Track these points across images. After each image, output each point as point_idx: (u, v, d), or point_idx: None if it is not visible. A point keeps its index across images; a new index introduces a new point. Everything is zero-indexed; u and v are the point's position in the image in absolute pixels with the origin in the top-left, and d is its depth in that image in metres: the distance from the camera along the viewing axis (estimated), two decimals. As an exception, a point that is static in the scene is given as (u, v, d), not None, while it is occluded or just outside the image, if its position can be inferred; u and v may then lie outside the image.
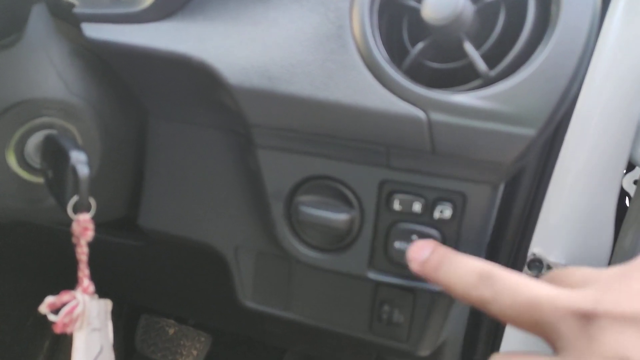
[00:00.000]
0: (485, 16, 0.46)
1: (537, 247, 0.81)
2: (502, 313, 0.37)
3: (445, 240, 0.50)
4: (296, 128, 0.49)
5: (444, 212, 0.49)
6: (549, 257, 0.83)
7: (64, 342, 1.29)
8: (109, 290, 1.06)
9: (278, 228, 0.54)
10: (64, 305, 0.49)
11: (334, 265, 0.53)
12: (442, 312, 0.56)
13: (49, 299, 0.49)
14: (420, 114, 0.45)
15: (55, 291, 0.49)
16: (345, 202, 0.51)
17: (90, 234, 0.49)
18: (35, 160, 0.52)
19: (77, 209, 0.48)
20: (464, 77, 0.46)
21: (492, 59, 0.45)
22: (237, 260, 0.60)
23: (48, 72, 0.51)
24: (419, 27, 0.47)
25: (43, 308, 0.49)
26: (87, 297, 0.50)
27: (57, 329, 0.49)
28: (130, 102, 0.58)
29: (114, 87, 0.56)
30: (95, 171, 0.56)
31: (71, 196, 0.47)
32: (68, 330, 0.50)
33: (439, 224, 0.50)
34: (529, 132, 0.43)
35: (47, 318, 0.48)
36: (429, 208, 0.49)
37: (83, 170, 0.47)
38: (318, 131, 0.48)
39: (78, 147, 0.48)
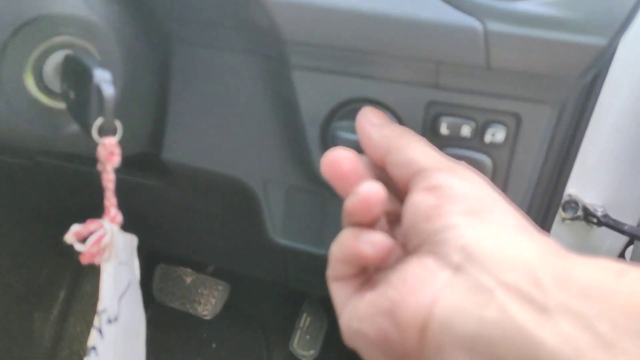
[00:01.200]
0: None
1: (573, 188, 0.78)
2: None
3: (496, 169, 0.46)
4: (337, 44, 0.45)
5: (495, 135, 0.45)
6: (585, 198, 0.80)
7: (79, 293, 1.28)
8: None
9: (314, 156, 0.50)
10: (90, 234, 0.46)
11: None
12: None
13: (75, 227, 0.46)
14: (476, 24, 0.41)
15: (63, 254, 0.46)
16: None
17: (117, 159, 0.46)
18: (55, 84, 0.49)
19: (102, 132, 0.44)
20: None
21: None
22: (267, 195, 0.57)
23: (65, -13, 0.47)
24: None
25: (69, 237, 0.46)
26: (114, 227, 0.47)
27: (85, 259, 0.46)
28: (153, 25, 0.54)
29: (136, 8, 0.52)
30: (119, 95, 0.52)
31: (96, 118, 0.44)
32: (96, 260, 0.47)
33: (490, 149, 0.46)
34: (600, 41, 0.39)
35: (61, 268, 0.46)
36: (479, 131, 0.46)
37: (108, 89, 0.43)
38: (361, 47, 0.44)
39: (102, 65, 0.44)
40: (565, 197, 0.79)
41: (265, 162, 0.56)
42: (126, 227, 0.83)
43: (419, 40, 0.43)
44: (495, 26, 0.41)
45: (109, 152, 0.45)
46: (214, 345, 1.26)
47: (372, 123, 0.43)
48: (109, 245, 0.47)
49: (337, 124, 0.49)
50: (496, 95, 0.44)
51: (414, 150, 0.39)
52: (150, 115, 0.58)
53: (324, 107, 0.48)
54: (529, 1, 0.40)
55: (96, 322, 0.48)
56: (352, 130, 0.48)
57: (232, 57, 0.53)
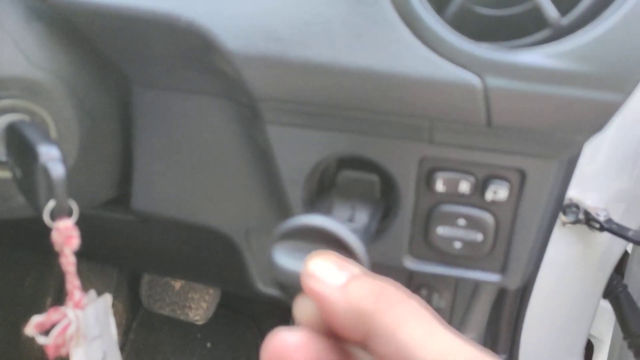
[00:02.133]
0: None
1: (573, 191, 0.74)
2: None
3: (498, 226, 0.42)
4: (315, 101, 0.39)
5: (498, 192, 0.40)
6: (586, 201, 0.76)
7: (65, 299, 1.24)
8: (107, 259, 0.99)
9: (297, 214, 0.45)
10: (54, 325, 0.42)
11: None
12: (486, 299, 0.49)
13: (36, 319, 0.41)
14: (474, 79, 0.35)
15: (47, 261, 0.41)
16: (375, 184, 0.43)
17: (75, 242, 0.41)
18: (1, 151, 0.43)
19: (55, 215, 0.39)
20: (526, 27, 0.37)
21: (563, 1, 0.36)
22: (249, 245, 0.52)
23: (1, 42, 0.41)
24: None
25: (29, 329, 0.41)
26: (79, 312, 0.43)
27: (50, 354, 0.41)
28: (107, 70, 0.48)
29: (86, 54, 0.46)
30: (75, 157, 0.47)
31: (46, 200, 0.39)
32: (62, 352, 0.43)
33: (491, 207, 0.41)
34: (616, 97, 0.34)
35: (45, 274, 0.41)
36: (479, 188, 0.41)
37: (57, 170, 0.38)
38: (343, 104, 0.39)
39: (48, 140, 0.39)
40: (565, 201, 0.75)
41: (246, 211, 0.51)
42: (106, 254, 0.79)
43: (409, 98, 0.37)
44: (495, 81, 0.35)
45: (66, 236, 0.40)
46: (208, 345, 1.24)
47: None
48: (75, 333, 0.43)
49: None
50: (498, 151, 0.39)
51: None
52: (114, 165, 0.52)
53: (306, 165, 0.43)
54: (534, 52, 0.35)
55: (69, 411, 0.44)
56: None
57: (200, 100, 0.47)
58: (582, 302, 0.81)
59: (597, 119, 0.35)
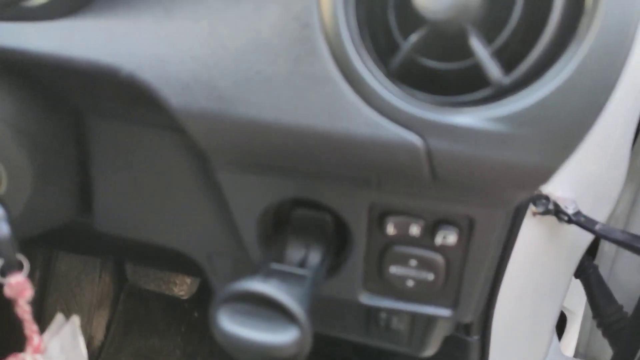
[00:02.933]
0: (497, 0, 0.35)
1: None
2: None
3: (449, 266, 0.42)
4: (260, 156, 0.39)
5: (447, 237, 0.41)
6: (557, 191, 0.76)
7: (54, 272, 1.26)
8: (89, 253, 1.00)
9: (252, 254, 0.46)
10: (14, 370, 0.43)
11: (321, 290, 0.46)
12: (443, 323, 0.50)
13: (-5, 366, 0.42)
14: (415, 139, 0.35)
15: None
16: (328, 223, 0.43)
17: (28, 294, 0.41)
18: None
19: (5, 272, 0.40)
20: (470, 80, 0.36)
21: (508, 58, 0.35)
22: (213, 266, 0.53)
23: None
24: (411, 14, 0.36)
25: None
26: (38, 357, 0.44)
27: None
28: (57, 102, 0.47)
29: (29, 90, 0.45)
30: (29, 192, 0.47)
31: (-5, 258, 0.39)
32: (25, 395, 0.44)
33: (441, 249, 0.42)
34: (555, 162, 0.34)
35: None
36: (429, 231, 0.41)
37: (1, 230, 0.38)
38: (288, 159, 0.39)
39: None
40: (536, 192, 0.75)
41: (207, 236, 0.51)
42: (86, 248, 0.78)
43: (353, 156, 0.37)
44: (437, 143, 0.35)
45: (18, 290, 0.40)
46: (195, 314, 1.27)
47: None
48: (37, 375, 0.44)
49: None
50: (446, 199, 0.39)
51: None
52: (72, 191, 0.52)
53: (256, 208, 0.43)
54: (473, 113, 0.34)
55: None
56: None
57: (154, 133, 0.47)
58: (553, 286, 0.83)
59: (536, 179, 0.35)
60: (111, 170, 0.50)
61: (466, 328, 0.78)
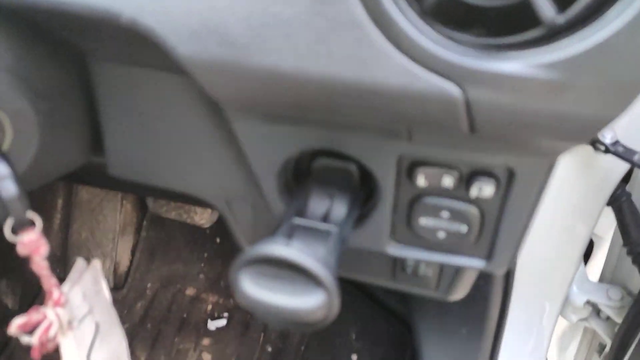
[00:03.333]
0: None
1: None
2: None
3: (484, 219, 0.39)
4: (280, 107, 0.35)
5: (483, 189, 0.37)
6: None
7: (77, 200, 1.26)
8: (107, 186, 0.99)
9: (273, 206, 0.43)
10: (35, 325, 0.42)
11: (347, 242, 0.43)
12: (473, 271, 0.48)
13: (18, 321, 0.42)
14: (453, 89, 0.31)
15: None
16: (353, 173, 0.40)
17: (44, 250, 0.40)
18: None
19: (17, 230, 0.38)
20: (518, 19, 0.32)
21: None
22: (232, 211, 0.51)
23: None
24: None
25: (13, 329, 0.42)
26: (60, 310, 0.43)
27: (35, 354, 0.42)
28: (58, 47, 0.43)
29: (28, 36, 0.41)
30: (37, 142, 0.44)
31: (4, 218, 0.37)
32: (49, 347, 0.43)
33: (477, 201, 0.39)
34: (610, 113, 0.30)
35: None
36: (464, 183, 0.38)
37: (7, 189, 0.36)
38: (310, 110, 0.35)
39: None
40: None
41: (225, 182, 0.48)
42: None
43: (382, 107, 0.33)
44: (477, 93, 0.31)
45: (32, 249, 0.39)
46: (218, 240, 1.27)
47: None
48: (59, 330, 0.43)
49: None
50: (483, 151, 0.36)
51: None
52: (83, 134, 0.49)
53: (277, 159, 0.40)
54: (521, 59, 0.30)
55: (66, 392, 0.46)
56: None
57: (164, 77, 0.43)
58: (583, 215, 0.80)
59: (588, 131, 0.31)
60: (121, 115, 0.47)
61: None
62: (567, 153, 0.35)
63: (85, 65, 0.45)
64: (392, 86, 0.32)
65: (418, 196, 0.40)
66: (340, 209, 0.40)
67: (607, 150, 0.68)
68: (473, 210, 0.39)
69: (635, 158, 0.67)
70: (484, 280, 0.81)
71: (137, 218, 1.26)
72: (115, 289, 1.25)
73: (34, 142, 0.44)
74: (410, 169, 0.38)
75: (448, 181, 0.38)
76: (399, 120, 0.34)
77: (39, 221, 0.39)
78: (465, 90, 0.31)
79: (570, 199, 0.78)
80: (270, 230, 0.51)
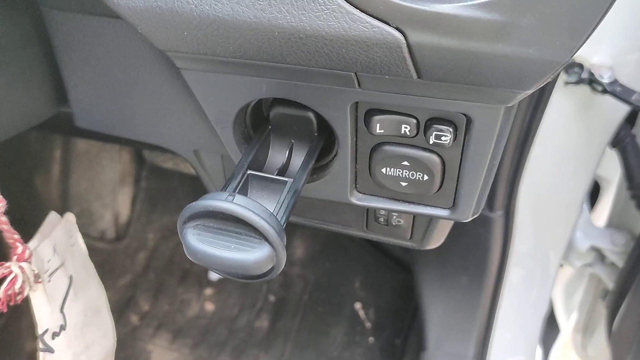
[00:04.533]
0: None
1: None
2: None
3: (445, 167, 0.38)
4: (226, 56, 0.34)
5: (441, 137, 0.36)
6: (593, 58, 0.68)
7: (75, 151, 1.26)
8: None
9: (233, 156, 0.42)
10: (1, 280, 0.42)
11: (309, 192, 0.43)
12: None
13: (-19, 276, 0.42)
14: (395, 34, 0.30)
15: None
16: (311, 122, 0.39)
17: (2, 205, 0.39)
18: None
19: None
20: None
21: None
22: (201, 162, 0.50)
23: None
24: None
25: (-22, 284, 0.42)
26: (24, 264, 0.43)
27: (3, 307, 0.43)
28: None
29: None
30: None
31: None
32: (18, 299, 0.44)
33: (436, 149, 0.37)
34: (562, 56, 0.28)
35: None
36: (422, 130, 0.37)
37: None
38: (257, 58, 0.34)
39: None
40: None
41: (191, 133, 0.48)
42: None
43: (327, 55, 0.32)
44: (419, 36, 0.29)
45: (-13, 205, 0.38)
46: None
47: None
48: (25, 282, 0.43)
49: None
50: (437, 97, 0.34)
51: None
52: (45, 84, 0.49)
53: (230, 109, 0.39)
54: (461, 2, 0.28)
55: (39, 344, 0.47)
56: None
57: (118, 25, 0.42)
58: (584, 158, 0.78)
59: (537, 76, 0.30)
60: (81, 65, 0.46)
61: (489, 203, 0.75)
62: (561, 88, 0.33)
63: (40, 16, 0.44)
64: (333, 32, 0.30)
65: (377, 145, 0.38)
66: (297, 159, 0.39)
67: (604, 91, 0.65)
68: (433, 159, 0.38)
69: (633, 98, 0.65)
70: (483, 228, 0.80)
71: (136, 169, 1.26)
72: (117, 239, 1.26)
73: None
74: (367, 117, 0.37)
75: (405, 129, 0.37)
76: (344, 66, 0.32)
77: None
78: (406, 34, 0.29)
79: (569, 142, 0.76)
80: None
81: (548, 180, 0.80)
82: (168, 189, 1.28)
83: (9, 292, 0.43)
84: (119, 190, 1.26)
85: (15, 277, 0.43)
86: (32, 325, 1.30)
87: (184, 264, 1.25)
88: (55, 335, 0.48)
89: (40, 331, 0.47)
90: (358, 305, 1.17)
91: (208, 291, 1.22)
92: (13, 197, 1.25)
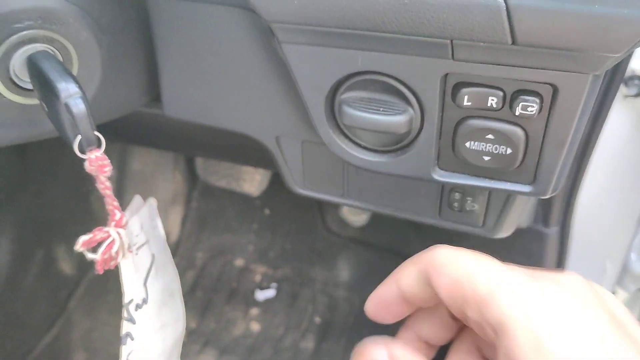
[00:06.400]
0: None
1: (636, 61, 0.68)
2: None
3: (528, 140, 0.40)
4: (328, 23, 0.37)
5: (527, 107, 0.38)
6: (652, 72, 0.70)
7: (129, 171, 1.30)
8: (161, 147, 1.02)
9: (322, 132, 0.45)
10: (99, 243, 0.45)
11: (391, 168, 0.45)
12: (522, 201, 0.48)
13: (83, 238, 0.45)
14: (495, -2, 0.32)
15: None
16: (400, 97, 0.41)
17: (108, 170, 0.42)
18: (27, 80, 0.44)
19: (84, 148, 0.40)
20: None
21: None
22: (281, 149, 0.53)
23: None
24: None
25: (78, 246, 0.45)
26: (121, 230, 0.46)
27: (99, 268, 0.45)
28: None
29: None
30: (100, 75, 0.47)
31: (74, 135, 0.40)
32: (111, 264, 0.46)
33: (521, 121, 0.39)
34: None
35: (108, 148, 0.44)
36: (508, 102, 0.39)
37: (77, 106, 0.38)
38: (356, 26, 0.36)
39: (66, 75, 0.39)
40: (628, 72, 0.70)
41: (275, 119, 0.50)
42: (157, 139, 0.80)
43: (425, 19, 0.34)
44: (519, 0, 0.32)
45: (98, 165, 0.41)
46: (267, 212, 1.30)
47: None
48: (120, 248, 0.46)
49: (343, 96, 0.42)
50: (527, 67, 0.36)
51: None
52: (141, 72, 0.52)
53: (325, 82, 0.42)
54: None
55: (124, 313, 0.49)
56: (362, 104, 0.42)
57: (217, 10, 0.46)
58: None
59: (629, 37, 0.32)
60: (175, 52, 0.50)
61: (545, 219, 0.75)
62: (609, 67, 0.35)
63: (144, 2, 0.48)
64: (436, -3, 0.33)
65: (463, 119, 0.41)
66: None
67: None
68: (517, 131, 0.40)
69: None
70: (536, 244, 0.80)
71: (187, 188, 1.30)
72: (167, 257, 1.29)
73: (96, 75, 0.47)
74: (455, 89, 0.39)
75: (492, 101, 0.39)
76: (442, 32, 0.35)
77: (103, 141, 0.41)
78: (507, -1, 0.32)
79: (627, 157, 0.76)
80: (321, 172, 0.53)
81: (603, 197, 0.81)
82: (217, 209, 1.31)
83: (106, 255, 0.45)
84: (170, 210, 1.30)
85: (113, 241, 0.45)
86: (82, 337, 1.31)
87: (231, 283, 1.26)
88: (138, 307, 0.50)
89: (126, 300, 0.49)
90: (403, 330, 1.17)
91: (254, 311, 1.23)
92: (71, 213, 1.29)
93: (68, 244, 1.23)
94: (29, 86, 0.44)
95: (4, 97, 0.44)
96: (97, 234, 0.45)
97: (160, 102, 0.56)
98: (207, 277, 1.28)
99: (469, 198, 0.49)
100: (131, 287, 0.49)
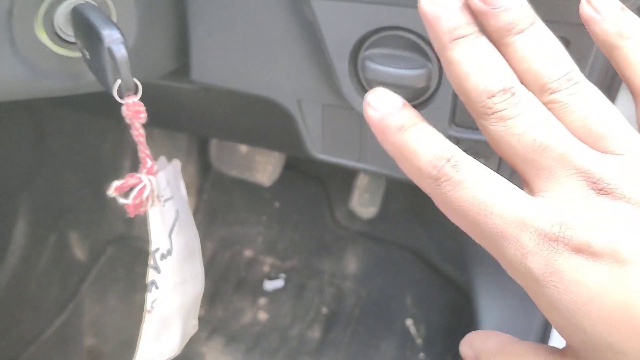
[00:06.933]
0: None
1: None
2: (451, 205, 0.31)
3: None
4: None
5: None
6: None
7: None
8: (176, 126, 1.05)
9: (344, 87, 0.48)
10: (131, 188, 0.48)
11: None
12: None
13: (116, 183, 0.47)
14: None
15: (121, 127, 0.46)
16: (420, 53, 0.44)
17: (143, 116, 0.45)
18: (70, 34, 0.47)
19: (122, 93, 0.43)
20: None
21: None
22: (302, 113, 0.56)
23: None
24: None
25: (111, 192, 0.47)
26: (152, 177, 0.48)
27: (131, 212, 0.48)
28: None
29: None
30: (135, 34, 0.50)
31: (114, 79, 0.43)
32: (141, 211, 0.49)
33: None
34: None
35: (122, 139, 0.46)
36: (521, 57, 0.42)
37: (120, 51, 0.41)
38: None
39: (109, 23, 0.42)
40: None
41: (297, 82, 0.53)
42: (173, 120, 0.84)
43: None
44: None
45: (134, 111, 0.44)
46: (277, 204, 1.32)
47: None
48: (150, 195, 0.48)
49: (366, 53, 0.45)
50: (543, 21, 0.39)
51: None
52: (172, 36, 0.55)
53: (351, 37, 0.44)
54: None
55: (151, 261, 0.51)
56: (384, 60, 0.45)
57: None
58: None
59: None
60: (206, 16, 0.53)
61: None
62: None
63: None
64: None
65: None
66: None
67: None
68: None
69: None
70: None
71: (200, 181, 1.33)
72: (177, 247, 1.31)
73: (132, 33, 0.50)
74: (472, 45, 0.42)
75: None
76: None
77: (140, 88, 0.44)
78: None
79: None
80: (339, 136, 0.56)
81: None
82: (228, 201, 1.34)
83: (137, 200, 0.48)
84: (182, 201, 1.32)
85: (144, 187, 0.48)
86: (92, 322, 1.33)
87: (240, 273, 1.29)
88: (163, 257, 0.52)
89: (153, 248, 0.51)
90: (409, 322, 1.18)
91: (262, 301, 1.25)
92: (84, 200, 1.31)
93: (81, 231, 1.26)
94: (71, 39, 0.47)
95: (49, 48, 0.47)
96: (130, 180, 0.47)
97: (182, 75, 0.59)
98: (216, 266, 1.30)
99: (481, 160, 0.51)
100: (158, 235, 0.51)
